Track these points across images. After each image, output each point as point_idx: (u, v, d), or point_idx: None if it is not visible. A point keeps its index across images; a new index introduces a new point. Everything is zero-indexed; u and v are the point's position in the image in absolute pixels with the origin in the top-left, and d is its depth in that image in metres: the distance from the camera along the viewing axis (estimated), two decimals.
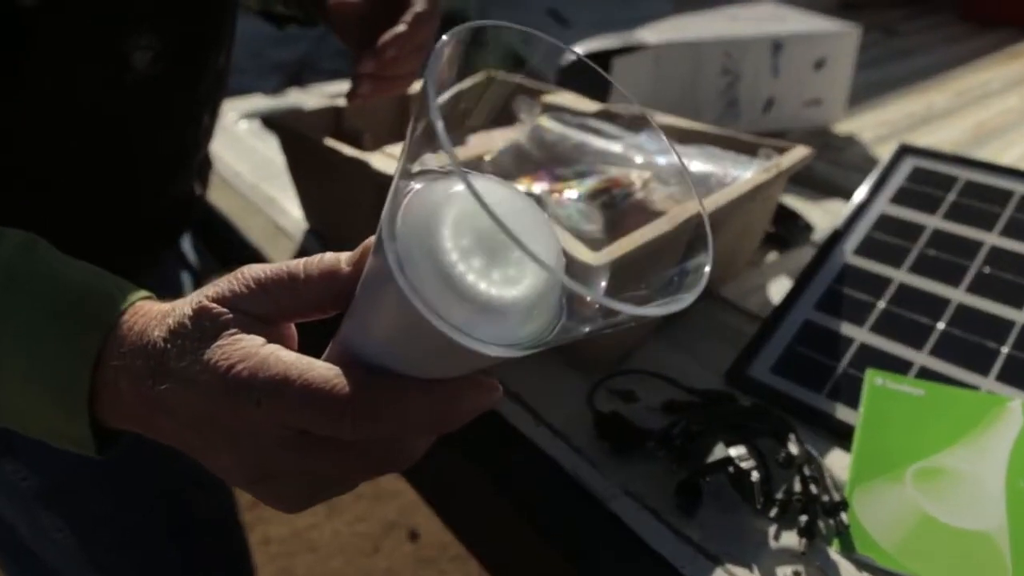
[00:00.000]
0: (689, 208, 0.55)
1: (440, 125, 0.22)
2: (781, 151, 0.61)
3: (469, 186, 0.21)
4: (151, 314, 0.30)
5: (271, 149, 0.94)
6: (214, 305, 0.28)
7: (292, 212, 0.79)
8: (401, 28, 0.52)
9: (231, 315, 0.28)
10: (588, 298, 0.23)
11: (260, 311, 0.28)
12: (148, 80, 0.49)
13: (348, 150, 0.62)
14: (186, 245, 0.72)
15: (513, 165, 0.71)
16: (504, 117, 0.75)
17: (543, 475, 0.46)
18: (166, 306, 0.30)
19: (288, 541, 1.46)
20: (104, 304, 0.30)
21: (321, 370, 0.26)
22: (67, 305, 0.30)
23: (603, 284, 0.32)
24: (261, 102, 1.09)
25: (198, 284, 0.74)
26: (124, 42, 0.47)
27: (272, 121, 0.71)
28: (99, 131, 0.50)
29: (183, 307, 0.29)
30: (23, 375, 0.30)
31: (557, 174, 0.68)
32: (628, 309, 0.22)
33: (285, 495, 0.29)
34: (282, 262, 0.28)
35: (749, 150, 0.63)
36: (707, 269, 0.25)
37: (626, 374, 0.54)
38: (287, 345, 0.29)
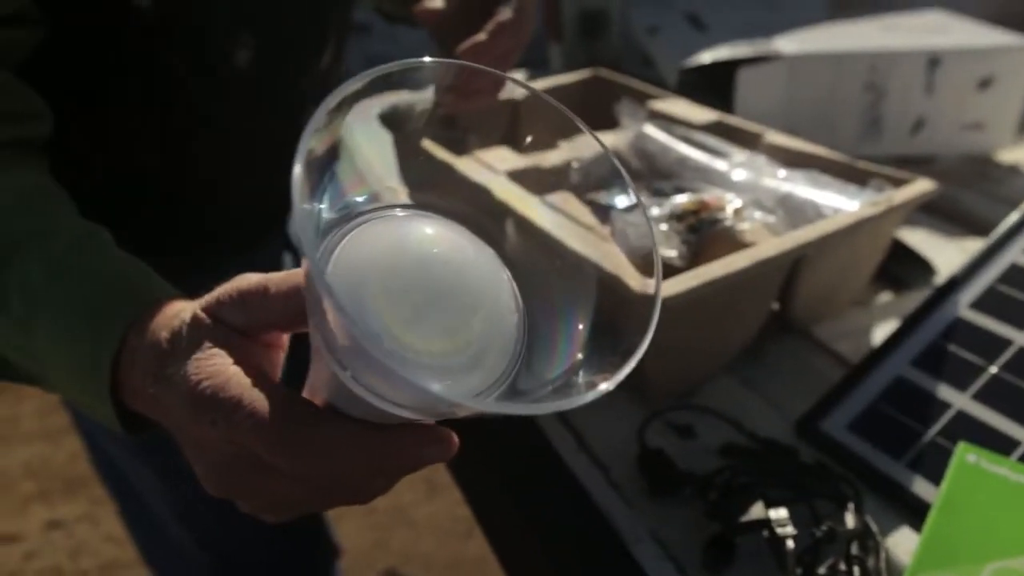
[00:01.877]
0: (789, 239, 0.50)
1: (303, 218, 0.21)
2: (898, 183, 0.55)
3: (329, 292, 0.20)
4: (168, 313, 0.31)
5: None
6: (203, 315, 0.29)
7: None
8: (481, 37, 0.51)
9: (214, 327, 0.29)
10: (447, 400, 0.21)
11: (238, 322, 0.29)
12: (247, 78, 0.52)
13: (440, 152, 0.62)
14: (290, 227, 0.76)
15: (607, 173, 0.69)
16: (607, 120, 0.73)
17: (570, 503, 0.45)
18: (179, 306, 0.31)
19: (391, 513, 1.52)
20: (130, 298, 0.33)
21: (274, 400, 0.26)
22: (100, 298, 0.33)
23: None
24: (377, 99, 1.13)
25: (299, 263, 0.78)
26: (225, 43, 0.50)
27: (385, 118, 0.73)
28: (198, 127, 0.54)
29: (187, 312, 0.30)
30: (64, 360, 0.33)
31: (655, 187, 0.65)
32: (498, 408, 0.21)
33: (253, 507, 0.30)
34: (268, 274, 0.29)
35: (864, 179, 0.57)
36: (633, 362, 0.22)
37: (686, 408, 0.51)
38: (268, 358, 0.29)
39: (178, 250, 0.49)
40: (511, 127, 0.84)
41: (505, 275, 0.26)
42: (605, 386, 0.22)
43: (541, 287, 0.27)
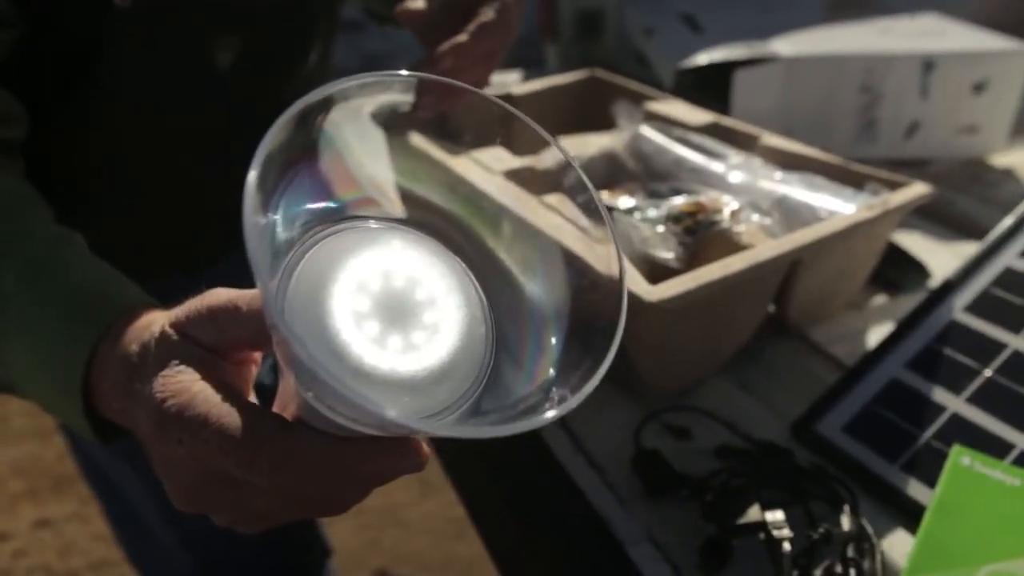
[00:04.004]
0: (787, 240, 0.49)
1: (267, 282, 0.20)
2: (894, 186, 0.55)
3: (292, 342, 0.19)
4: (140, 323, 0.31)
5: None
6: (171, 331, 0.28)
7: (395, 202, 0.81)
8: (462, 38, 0.51)
9: (181, 343, 0.28)
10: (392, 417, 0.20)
11: (207, 340, 0.28)
12: (232, 80, 0.52)
13: (435, 152, 0.62)
14: None
15: (605, 173, 0.69)
16: (603, 121, 0.73)
17: (566, 505, 0.45)
18: (152, 317, 0.31)
19: (382, 513, 1.52)
20: (103, 307, 0.32)
21: (243, 415, 0.26)
22: (72, 305, 0.32)
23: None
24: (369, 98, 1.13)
25: None
26: (210, 44, 0.49)
27: (377, 116, 0.73)
28: (179, 129, 0.53)
29: (156, 325, 0.29)
30: (34, 366, 0.33)
31: (651, 189, 0.65)
32: (458, 432, 0.20)
33: (226, 520, 0.30)
34: (239, 291, 0.28)
35: (860, 182, 0.57)
36: (601, 373, 0.22)
37: (682, 410, 0.51)
38: (237, 376, 0.29)
39: (151, 256, 0.49)
40: (505, 126, 0.84)
41: (473, 287, 0.26)
42: (572, 400, 0.21)
43: (512, 298, 0.27)
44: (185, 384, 0.27)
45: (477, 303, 0.25)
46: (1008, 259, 0.53)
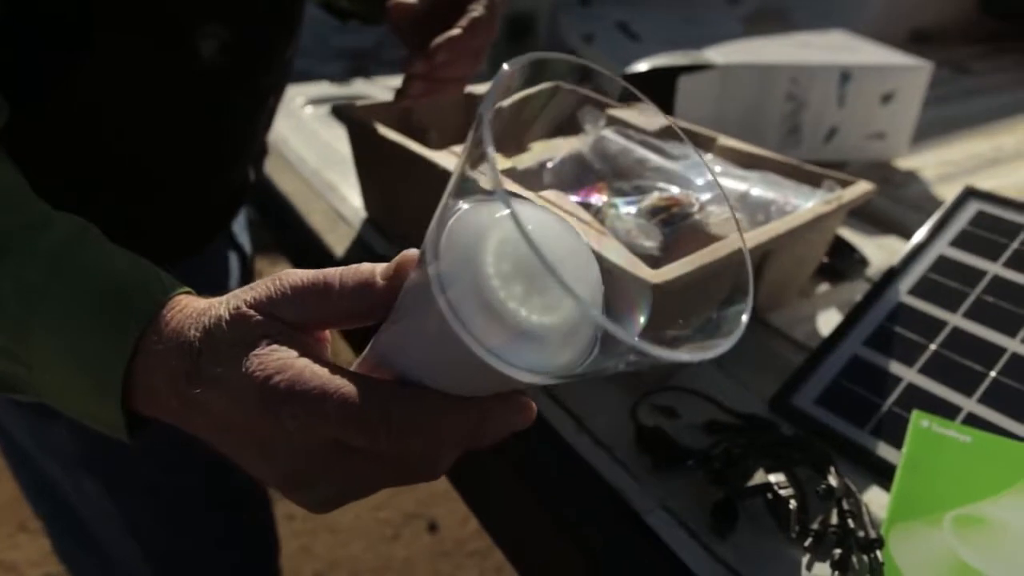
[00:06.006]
0: (762, 232, 0.55)
1: (492, 153, 0.22)
2: (844, 184, 0.61)
3: (515, 216, 0.21)
4: (188, 311, 0.31)
5: (335, 137, 0.96)
6: (252, 312, 0.28)
7: (352, 200, 0.81)
8: (455, 32, 0.53)
9: (267, 322, 0.28)
10: (620, 339, 0.23)
11: (295, 318, 0.29)
12: (214, 70, 0.51)
13: (416, 147, 0.64)
14: (237, 227, 0.74)
15: (573, 174, 0.72)
16: (571, 127, 0.76)
17: (581, 482, 0.47)
18: (203, 303, 0.31)
19: (311, 519, 1.49)
20: (142, 298, 0.31)
21: (356, 384, 0.26)
22: (107, 296, 0.31)
23: (642, 315, 0.32)
24: (328, 89, 1.12)
25: (247, 266, 0.76)
26: (193, 32, 0.48)
27: (342, 111, 0.73)
28: (162, 118, 0.52)
29: (219, 308, 0.29)
30: (65, 361, 0.31)
31: (616, 187, 0.69)
32: (657, 353, 0.22)
33: (314, 499, 0.30)
34: (320, 270, 0.29)
35: (811, 180, 0.63)
36: (745, 317, 0.26)
37: (671, 390, 0.54)
38: (320, 351, 0.29)
39: (128, 245, 0.48)
40: (468, 125, 0.85)
41: (591, 251, 0.28)
42: (726, 343, 0.24)
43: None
44: (286, 360, 0.27)
45: (597, 268, 0.27)
46: (941, 248, 0.60)
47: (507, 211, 0.22)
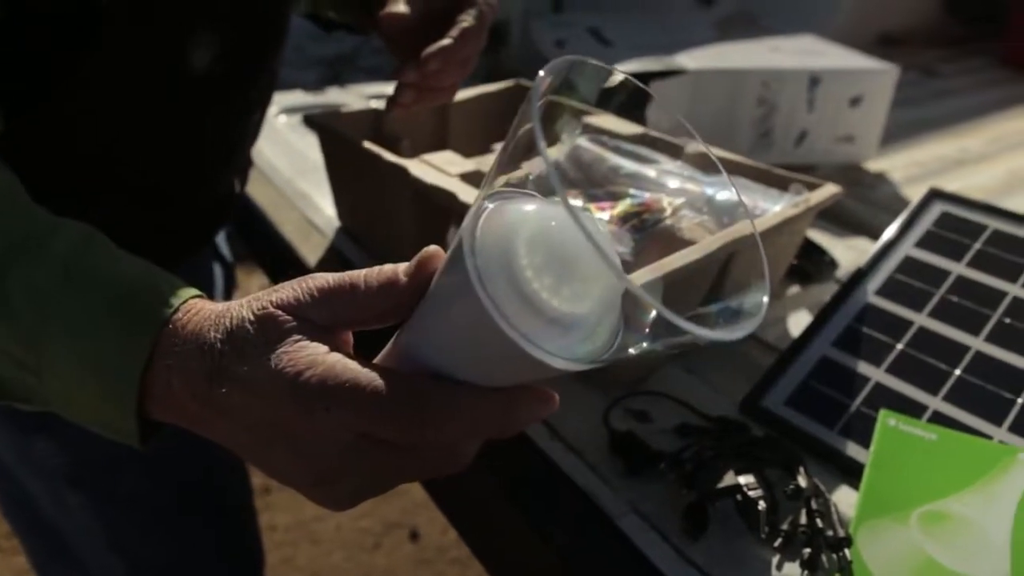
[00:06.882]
0: (728, 233, 0.56)
1: (544, 148, 0.23)
2: (812, 187, 0.62)
3: (571, 211, 0.22)
4: (204, 313, 0.31)
5: (308, 145, 0.96)
6: (279, 312, 0.29)
7: (325, 209, 0.81)
8: (447, 42, 0.53)
9: (295, 322, 0.28)
10: (653, 312, 0.24)
11: (322, 320, 0.29)
12: (205, 79, 0.51)
13: (389, 156, 0.64)
14: (219, 237, 0.74)
15: (548, 184, 0.72)
16: (548, 136, 0.77)
17: (554, 487, 0.47)
18: (219, 306, 0.31)
19: (293, 530, 1.48)
20: (157, 301, 0.31)
21: (388, 378, 0.27)
22: (120, 301, 0.31)
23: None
24: (301, 98, 1.12)
25: (229, 276, 0.76)
26: (186, 41, 0.48)
27: (314, 120, 0.73)
28: (152, 128, 0.52)
29: (241, 310, 0.29)
30: (76, 368, 0.31)
31: (590, 194, 0.70)
32: (696, 330, 0.24)
33: (339, 495, 0.30)
34: (342, 272, 0.29)
35: (780, 184, 0.64)
36: (766, 299, 0.27)
37: (643, 395, 0.55)
38: (344, 352, 0.29)
39: (123, 248, 0.47)
40: (440, 133, 0.85)
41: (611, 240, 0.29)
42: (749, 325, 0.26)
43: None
44: (316, 356, 0.27)
45: (619, 262, 0.28)
46: (906, 249, 0.61)
47: (533, 206, 0.25)
